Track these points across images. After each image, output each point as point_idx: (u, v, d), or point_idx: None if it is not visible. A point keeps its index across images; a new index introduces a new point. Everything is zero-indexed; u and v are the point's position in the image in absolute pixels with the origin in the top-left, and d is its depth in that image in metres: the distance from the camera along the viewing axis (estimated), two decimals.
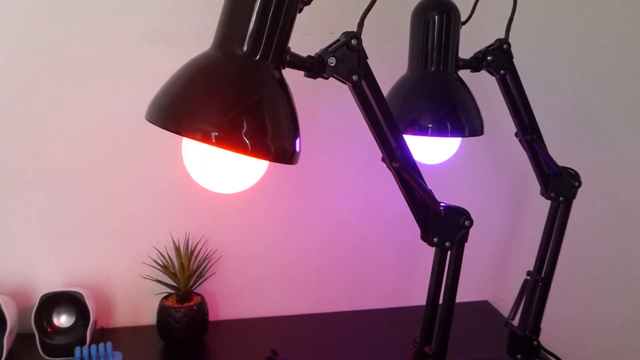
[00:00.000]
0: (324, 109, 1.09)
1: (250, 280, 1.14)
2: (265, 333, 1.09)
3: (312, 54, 0.60)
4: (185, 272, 1.00)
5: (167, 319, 0.99)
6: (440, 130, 0.81)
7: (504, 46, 0.83)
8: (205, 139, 0.50)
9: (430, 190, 0.67)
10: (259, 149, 0.52)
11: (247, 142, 0.51)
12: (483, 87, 0.91)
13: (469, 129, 0.82)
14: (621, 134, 1.27)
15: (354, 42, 0.60)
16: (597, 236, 1.31)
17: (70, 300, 0.96)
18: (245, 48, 0.54)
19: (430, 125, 0.81)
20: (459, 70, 0.84)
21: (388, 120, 0.64)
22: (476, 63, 0.84)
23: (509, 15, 0.83)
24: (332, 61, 0.59)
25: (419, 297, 1.14)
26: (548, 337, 0.96)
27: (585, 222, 1.28)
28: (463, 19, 0.83)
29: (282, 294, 1.17)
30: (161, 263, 1.02)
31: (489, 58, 0.83)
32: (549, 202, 0.91)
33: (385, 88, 0.77)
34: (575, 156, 1.09)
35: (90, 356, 0.91)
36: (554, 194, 0.89)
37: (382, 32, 1.02)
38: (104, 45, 0.97)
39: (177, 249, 1.03)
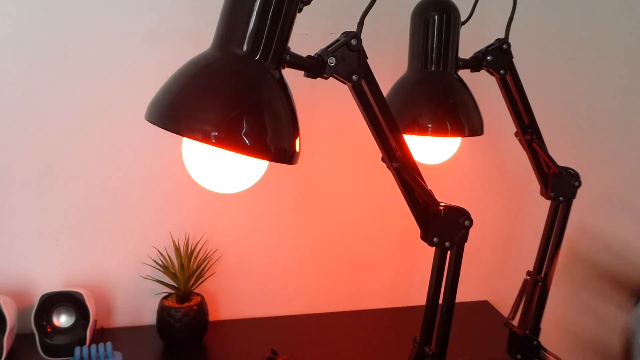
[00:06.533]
0: (324, 109, 1.09)
1: (250, 280, 1.14)
2: (265, 333, 1.09)
3: (312, 54, 0.60)
4: (185, 272, 1.00)
5: (167, 319, 0.99)
6: (440, 130, 0.81)
7: (504, 46, 0.82)
8: (205, 139, 0.51)
9: (430, 190, 0.67)
10: (258, 149, 0.52)
11: (247, 142, 0.51)
12: (483, 87, 0.91)
13: (469, 129, 0.82)
14: (621, 134, 1.27)
15: (353, 42, 0.59)
16: (597, 236, 1.31)
17: (70, 300, 0.96)
18: (245, 48, 0.54)
19: (430, 125, 0.81)
20: (459, 70, 0.84)
21: (388, 120, 0.64)
22: (476, 63, 0.84)
23: (508, 15, 0.83)
24: (332, 61, 0.59)
25: (419, 297, 1.14)
26: (548, 337, 0.96)
27: (585, 222, 1.28)
28: (463, 19, 0.83)
29: (282, 294, 1.17)
30: (161, 263, 1.02)
31: (488, 58, 0.83)
32: (549, 202, 0.91)
33: (385, 88, 0.77)
34: (575, 156, 1.09)
35: (90, 356, 0.91)
36: (554, 194, 0.89)
37: (382, 32, 1.02)
38: (104, 45, 0.97)
39: (177, 249, 1.03)
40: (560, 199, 0.89)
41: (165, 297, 1.02)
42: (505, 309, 1.13)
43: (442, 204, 0.67)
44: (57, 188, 1.01)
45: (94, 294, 1.03)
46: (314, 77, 0.60)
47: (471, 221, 0.67)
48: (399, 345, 1.04)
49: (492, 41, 0.83)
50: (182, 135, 0.53)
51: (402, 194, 0.67)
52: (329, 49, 0.59)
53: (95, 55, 0.97)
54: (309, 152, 1.00)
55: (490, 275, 1.28)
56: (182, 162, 0.61)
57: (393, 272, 1.22)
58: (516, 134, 0.89)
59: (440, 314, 0.70)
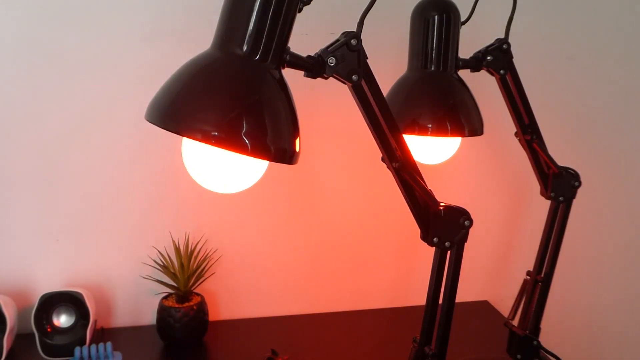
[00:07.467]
0: (324, 109, 1.09)
1: (250, 280, 1.14)
2: (265, 333, 1.09)
3: (312, 54, 0.60)
4: (185, 272, 1.00)
5: (167, 319, 0.99)
6: (440, 130, 0.81)
7: (504, 46, 0.82)
8: (205, 139, 0.51)
9: (430, 190, 0.67)
10: (258, 149, 0.52)
11: (247, 142, 0.51)
12: (483, 87, 0.91)
13: (469, 129, 0.82)
14: (621, 134, 1.27)
15: (353, 42, 0.60)
16: (597, 236, 1.31)
17: (70, 300, 0.96)
18: (245, 48, 0.54)
19: (430, 125, 0.81)
20: (459, 70, 0.84)
21: (388, 120, 0.64)
22: (476, 63, 0.84)
23: (509, 15, 0.83)
24: (332, 61, 0.59)
25: (419, 297, 1.14)
26: (548, 337, 0.96)
27: (586, 222, 1.28)
28: (463, 19, 0.83)
29: (282, 294, 1.17)
30: (161, 263, 1.02)
31: (488, 58, 0.83)
32: (549, 202, 0.91)
33: (385, 88, 0.77)
34: (575, 156, 1.09)
35: (90, 356, 0.91)
36: (554, 194, 0.89)
37: (382, 32, 1.02)
38: (104, 45, 0.97)
39: (177, 249, 1.03)
40: (560, 199, 0.89)
41: (165, 297, 1.02)
42: (505, 309, 1.13)
43: (442, 204, 0.67)
44: (57, 188, 1.01)
45: (94, 294, 1.03)
46: (314, 77, 0.61)
47: (471, 221, 0.67)
48: (399, 345, 1.04)
49: (492, 41, 0.83)
50: (182, 135, 0.53)
51: (402, 194, 0.67)
52: (329, 49, 0.59)
53: (95, 55, 0.97)
54: (309, 152, 1.00)
55: (490, 275, 1.28)
56: (182, 162, 0.61)
57: (393, 272, 1.22)
58: (516, 134, 0.89)
59: (440, 314, 0.70)
